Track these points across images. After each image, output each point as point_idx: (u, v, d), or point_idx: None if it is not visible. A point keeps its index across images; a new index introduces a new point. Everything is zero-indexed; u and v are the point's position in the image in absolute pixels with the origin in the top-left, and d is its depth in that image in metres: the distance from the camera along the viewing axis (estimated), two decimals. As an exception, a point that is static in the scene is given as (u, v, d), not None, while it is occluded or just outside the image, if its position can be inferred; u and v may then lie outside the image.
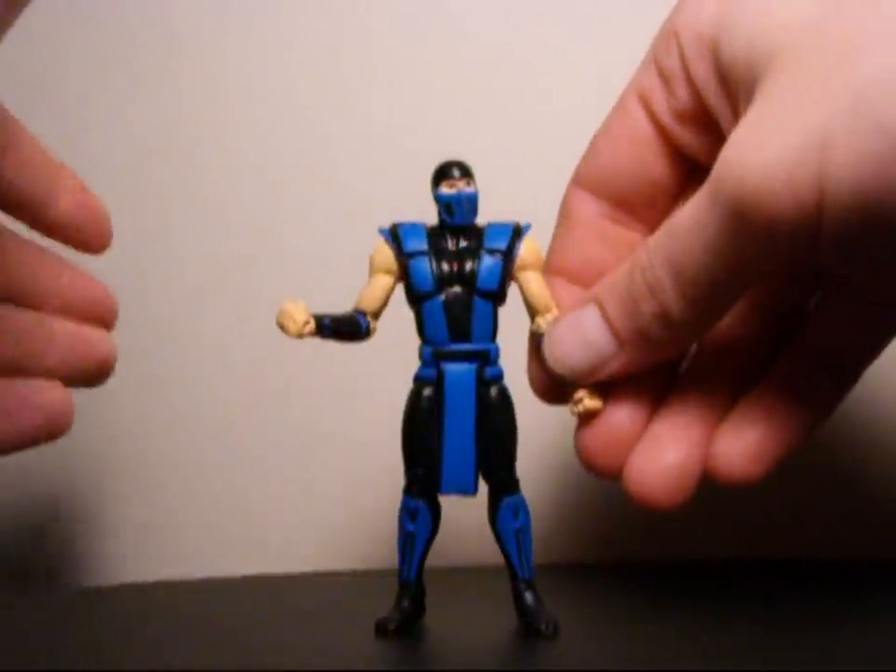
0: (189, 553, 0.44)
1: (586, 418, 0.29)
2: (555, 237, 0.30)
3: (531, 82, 0.45)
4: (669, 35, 0.27)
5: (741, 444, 0.28)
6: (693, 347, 0.30)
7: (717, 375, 0.29)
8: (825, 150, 0.21)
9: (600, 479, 0.29)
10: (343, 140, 0.45)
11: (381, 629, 0.30)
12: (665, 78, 0.28)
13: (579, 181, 0.30)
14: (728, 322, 0.29)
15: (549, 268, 0.30)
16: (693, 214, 0.24)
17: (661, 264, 0.25)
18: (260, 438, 0.43)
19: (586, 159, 0.30)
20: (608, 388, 0.29)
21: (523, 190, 0.40)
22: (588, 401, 0.28)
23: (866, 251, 0.23)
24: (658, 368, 0.29)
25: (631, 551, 0.43)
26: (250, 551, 0.44)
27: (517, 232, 0.30)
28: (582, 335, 0.27)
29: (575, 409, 0.29)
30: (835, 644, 0.29)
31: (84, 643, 0.32)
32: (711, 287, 0.25)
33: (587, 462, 0.29)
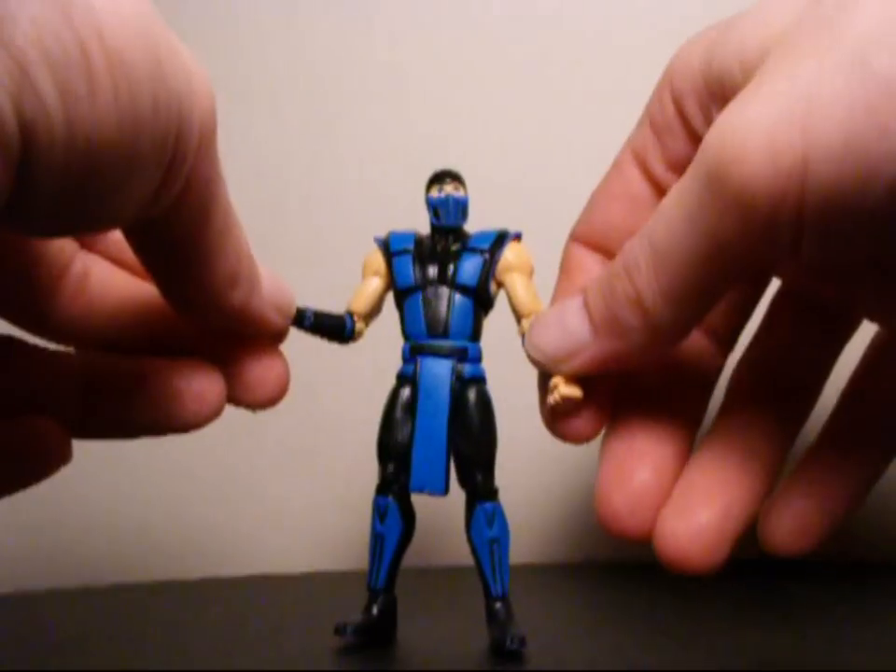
0: (189, 552, 0.44)
1: (563, 409, 0.27)
2: (557, 287, 0.30)
3: (535, 94, 0.45)
4: (663, 88, 0.27)
5: (790, 519, 0.27)
6: (717, 401, 0.29)
7: (745, 432, 0.28)
8: (811, 103, 0.20)
9: (626, 541, 0.27)
10: (344, 148, 0.45)
11: (339, 631, 0.29)
12: (657, 132, 0.27)
13: (576, 237, 0.30)
14: (746, 384, 0.28)
15: None
16: (674, 190, 0.24)
17: (640, 245, 0.24)
18: (260, 438, 0.43)
19: (584, 217, 0.30)
20: (588, 381, 0.27)
21: (520, 201, 0.40)
22: (563, 388, 0.27)
23: (856, 220, 0.21)
24: (679, 423, 0.28)
25: (630, 551, 0.43)
26: (250, 551, 0.44)
27: (502, 237, 0.30)
28: (562, 321, 0.27)
29: (550, 398, 0.27)
30: (835, 644, 0.29)
31: (84, 643, 0.32)
32: (687, 267, 0.23)
33: (612, 524, 0.27)
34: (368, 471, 0.42)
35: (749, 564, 0.40)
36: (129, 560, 0.43)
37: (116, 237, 0.27)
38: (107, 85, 0.17)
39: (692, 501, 0.26)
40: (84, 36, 0.17)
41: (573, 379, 0.27)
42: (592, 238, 0.29)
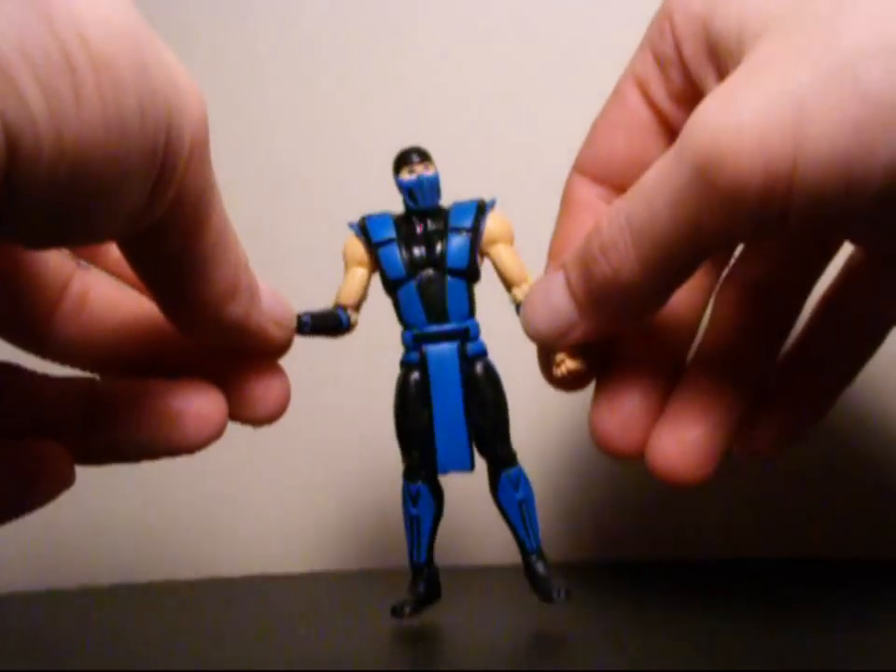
0: (189, 553, 0.44)
1: (570, 380, 0.29)
2: (558, 224, 0.30)
3: (517, 78, 0.45)
4: (663, 19, 0.27)
5: (769, 429, 0.29)
6: (701, 330, 0.30)
7: (730, 351, 0.29)
8: (802, 112, 0.21)
9: (616, 459, 0.29)
10: (326, 141, 0.45)
11: (397, 612, 0.30)
12: (660, 62, 0.28)
13: (579, 168, 0.30)
14: (732, 304, 0.29)
15: (552, 254, 0.30)
16: (656, 170, 0.24)
17: (618, 225, 0.25)
18: (260, 438, 0.43)
19: (586, 146, 0.30)
20: (589, 349, 0.28)
21: (505, 179, 0.40)
22: (570, 363, 0.28)
23: (839, 218, 0.22)
24: (667, 349, 0.29)
25: (631, 550, 0.43)
26: (250, 551, 0.44)
27: (481, 209, 0.30)
28: (549, 301, 0.27)
29: (557, 371, 0.28)
30: (835, 644, 0.30)
31: (84, 643, 0.32)
32: (667, 249, 0.24)
33: (604, 444, 0.29)
34: (368, 471, 0.42)
35: (749, 564, 0.40)
36: (129, 560, 0.43)
37: (118, 253, 0.27)
38: (93, 91, 0.17)
39: (681, 419, 0.28)
40: (67, 41, 0.16)
41: (577, 351, 0.28)
42: (595, 169, 0.30)
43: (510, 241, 0.30)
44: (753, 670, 0.28)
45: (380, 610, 0.31)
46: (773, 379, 0.30)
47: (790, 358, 0.30)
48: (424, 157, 0.30)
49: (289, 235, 0.44)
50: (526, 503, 0.31)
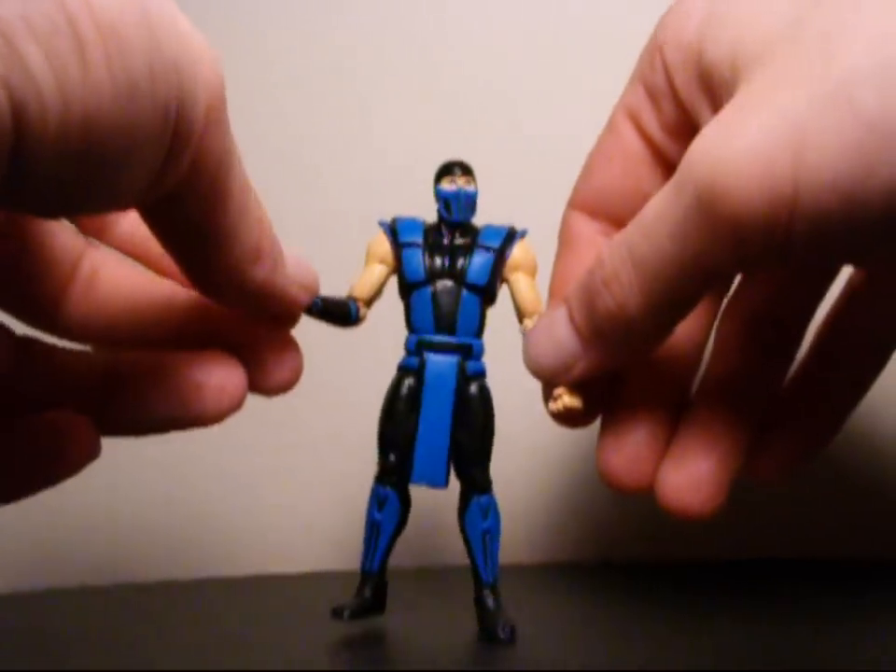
0: (188, 553, 0.44)
1: (565, 416, 0.28)
2: (557, 260, 0.30)
3: (532, 89, 0.45)
4: (654, 50, 0.27)
5: (777, 455, 0.29)
6: (704, 365, 0.30)
7: (733, 387, 0.29)
8: (801, 138, 0.21)
9: (624, 494, 0.29)
10: (348, 140, 0.45)
11: (337, 614, 0.30)
12: (651, 94, 0.28)
13: (575, 204, 0.30)
14: (734, 334, 0.29)
15: (552, 291, 0.30)
16: (657, 202, 0.24)
17: (620, 258, 0.25)
18: (260, 438, 0.43)
19: (581, 181, 0.30)
20: (587, 387, 0.28)
21: (522, 197, 0.40)
22: (567, 398, 0.28)
23: (842, 243, 0.22)
24: (671, 383, 0.29)
25: (627, 551, 0.43)
26: (250, 550, 0.44)
27: (511, 235, 0.30)
28: (552, 335, 0.27)
29: (553, 406, 0.28)
30: (835, 644, 0.29)
31: (84, 643, 0.32)
32: (670, 281, 0.24)
33: (612, 481, 0.29)
34: (368, 471, 0.42)
35: (749, 564, 0.40)
36: (129, 560, 0.43)
37: (125, 229, 0.27)
38: (100, 57, 0.17)
39: (689, 453, 0.28)
40: (71, 8, 0.16)
41: (576, 387, 0.28)
42: (591, 204, 0.30)
43: (531, 272, 0.30)
44: (753, 670, 0.28)
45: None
46: (778, 405, 0.29)
47: (794, 384, 0.30)
48: (467, 171, 0.30)
49: (297, 228, 0.44)
50: (490, 534, 0.30)
